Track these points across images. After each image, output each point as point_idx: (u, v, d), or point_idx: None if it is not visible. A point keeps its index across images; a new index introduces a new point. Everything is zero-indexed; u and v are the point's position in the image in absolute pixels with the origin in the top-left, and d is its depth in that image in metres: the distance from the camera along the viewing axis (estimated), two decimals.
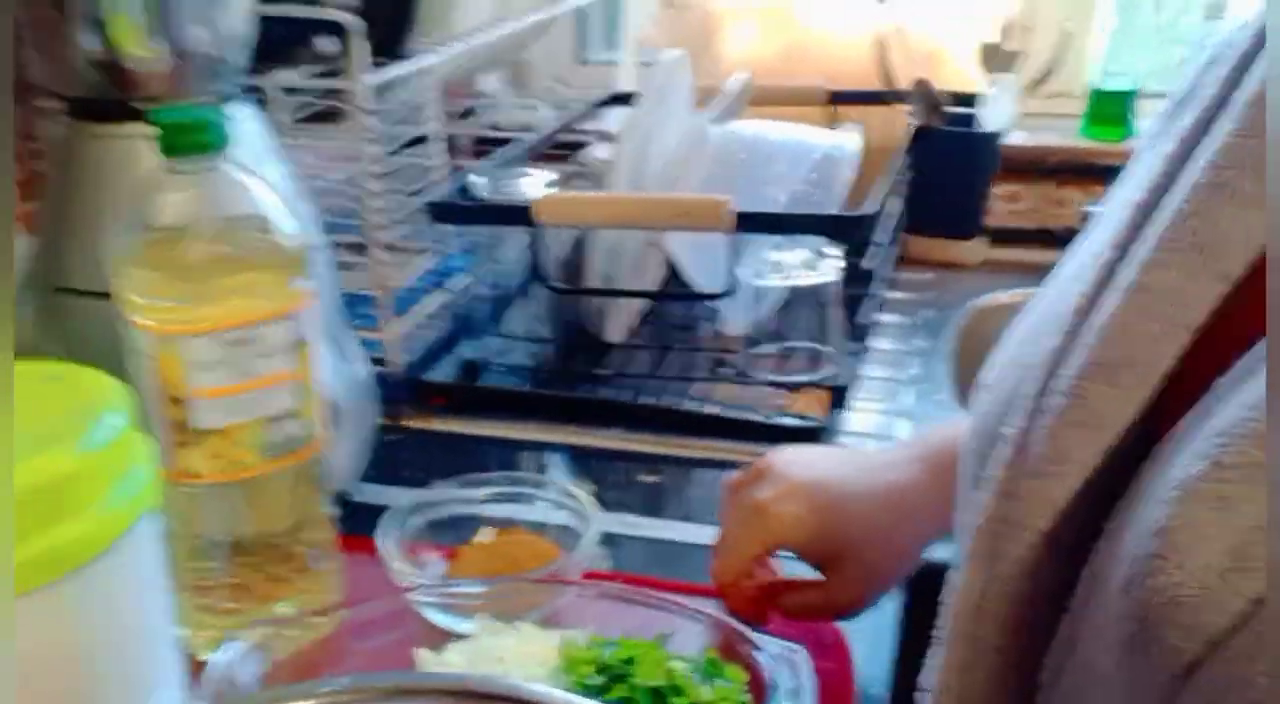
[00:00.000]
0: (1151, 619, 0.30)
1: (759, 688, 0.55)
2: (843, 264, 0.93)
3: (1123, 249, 0.37)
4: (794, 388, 0.94)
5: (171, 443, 0.58)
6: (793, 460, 0.62)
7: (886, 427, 0.93)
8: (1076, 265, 0.41)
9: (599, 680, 0.55)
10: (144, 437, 0.50)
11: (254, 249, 0.58)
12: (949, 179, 1.11)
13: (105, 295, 0.68)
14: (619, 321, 1.01)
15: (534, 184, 0.98)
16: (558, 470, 0.89)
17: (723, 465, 0.88)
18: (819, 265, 0.93)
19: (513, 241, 1.00)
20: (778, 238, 0.91)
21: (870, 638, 0.66)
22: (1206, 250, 0.33)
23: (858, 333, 0.98)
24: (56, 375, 0.49)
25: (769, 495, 0.60)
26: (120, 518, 0.46)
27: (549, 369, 1.00)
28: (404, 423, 0.94)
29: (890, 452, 0.64)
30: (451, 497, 0.75)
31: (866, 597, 0.60)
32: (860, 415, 0.94)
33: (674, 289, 0.98)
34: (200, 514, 0.60)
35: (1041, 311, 0.42)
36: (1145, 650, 0.30)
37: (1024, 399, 0.38)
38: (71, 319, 0.71)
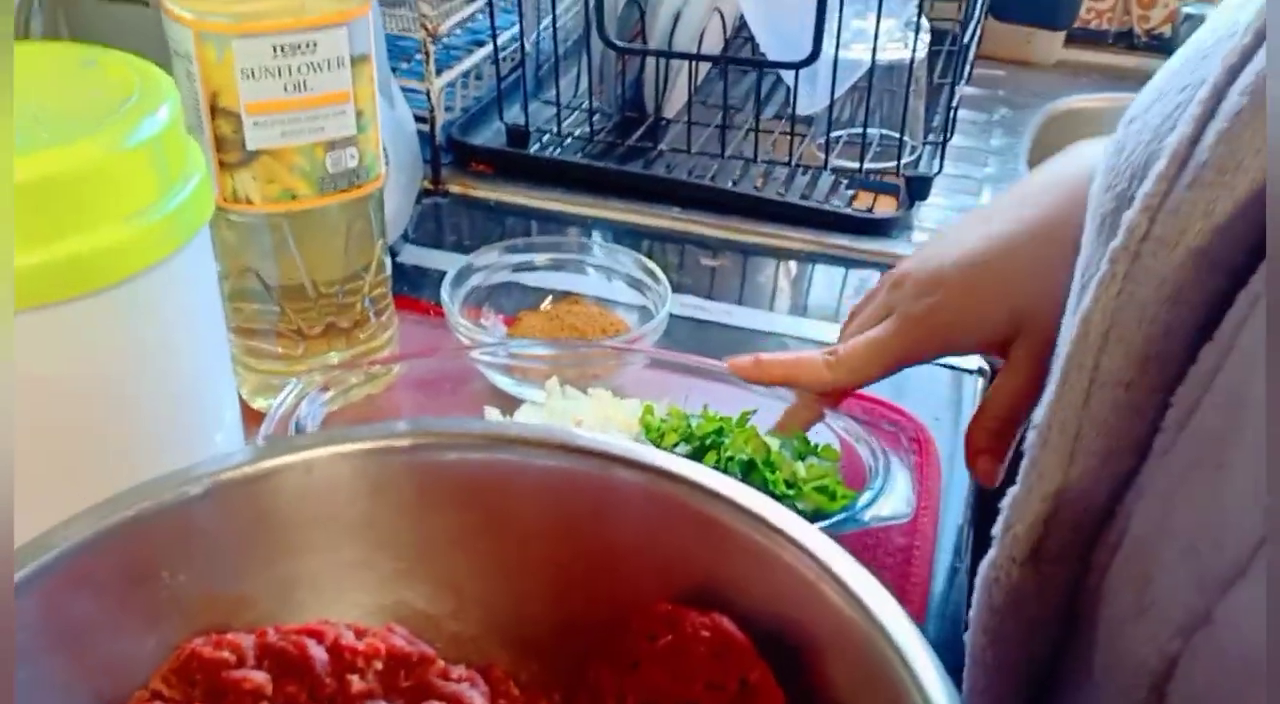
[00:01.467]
0: None
1: (854, 470, 0.51)
2: (932, 38, 0.84)
3: None
4: (866, 177, 0.87)
5: (217, 163, 0.51)
6: (927, 258, 0.52)
7: None
8: None
9: (686, 450, 0.51)
10: (194, 142, 0.43)
11: None
12: None
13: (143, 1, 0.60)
14: (679, 94, 0.93)
15: None
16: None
17: (781, 254, 0.82)
18: (909, 41, 0.84)
19: None
20: (864, 2, 0.82)
21: (952, 433, 0.62)
22: None
23: (938, 124, 0.90)
24: (95, 60, 0.42)
25: (934, 304, 0.50)
26: (176, 225, 0.40)
27: (602, 141, 0.92)
28: (446, 187, 0.87)
29: (1018, 193, 0.53)
30: (508, 262, 0.69)
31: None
32: (931, 211, 0.88)
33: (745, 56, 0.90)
34: (250, 249, 0.54)
35: (1205, 33, 0.36)
36: None
37: (1196, 105, 0.32)
38: (104, 21, 0.63)
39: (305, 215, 0.54)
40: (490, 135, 0.92)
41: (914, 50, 0.83)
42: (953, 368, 0.69)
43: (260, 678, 0.32)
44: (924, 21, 0.85)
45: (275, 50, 0.49)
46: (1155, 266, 0.32)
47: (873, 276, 0.79)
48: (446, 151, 0.89)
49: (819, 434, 0.52)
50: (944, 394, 0.67)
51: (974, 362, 0.69)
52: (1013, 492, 0.38)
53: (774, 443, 0.51)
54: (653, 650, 0.34)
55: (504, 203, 0.87)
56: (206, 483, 0.33)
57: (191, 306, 0.42)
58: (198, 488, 0.33)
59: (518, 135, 0.90)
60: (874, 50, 0.81)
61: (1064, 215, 0.47)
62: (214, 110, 0.50)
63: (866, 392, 0.58)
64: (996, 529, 0.38)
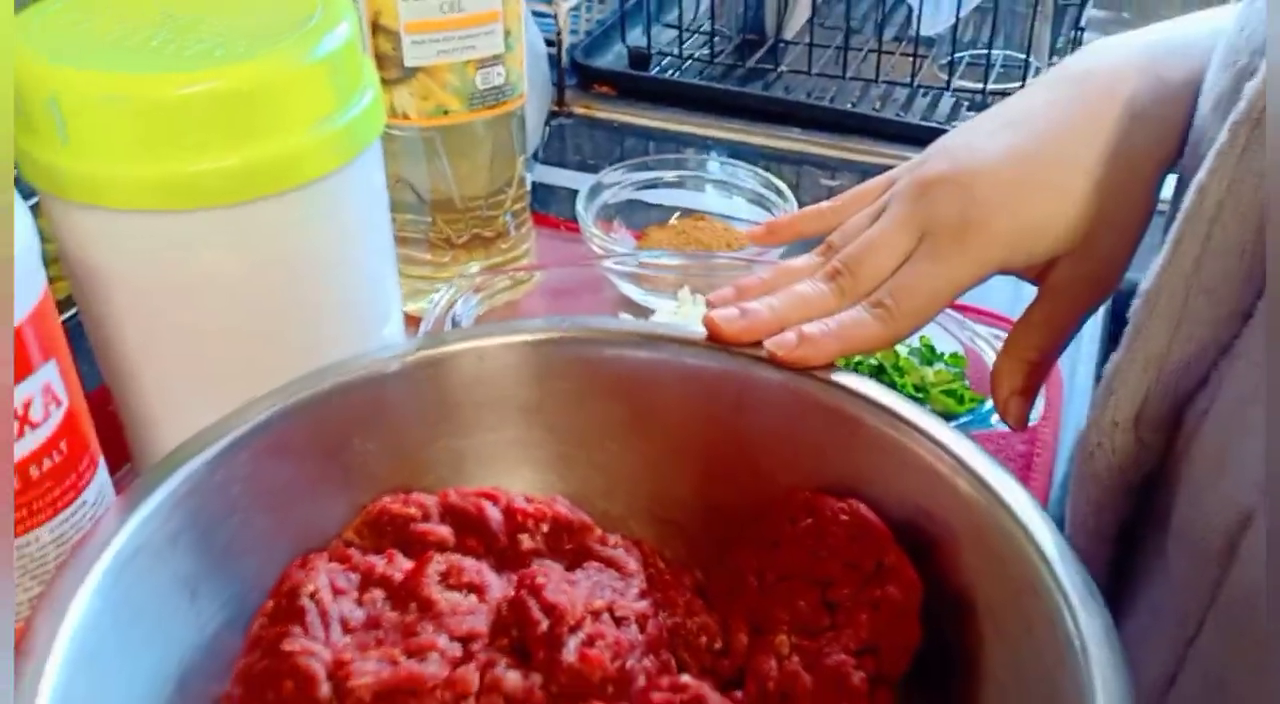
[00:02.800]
0: None
1: (980, 379, 0.53)
2: None
3: None
4: (989, 98, 0.87)
5: (378, 81, 0.54)
6: (959, 161, 0.43)
7: None
8: None
9: None
10: (368, 59, 0.46)
11: None
12: None
13: None
14: (799, 15, 0.94)
15: None
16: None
17: None
18: None
19: None
20: None
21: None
22: None
23: (1063, 45, 0.89)
24: None
25: (986, 214, 0.41)
26: (350, 135, 0.43)
27: (723, 63, 0.93)
28: (570, 108, 0.90)
29: (1043, 94, 0.45)
30: (634, 180, 0.71)
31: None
32: None
33: None
34: (405, 162, 0.57)
35: None
36: None
37: None
38: None
39: (455, 130, 0.57)
40: (612, 58, 0.94)
41: None
42: None
43: (444, 531, 0.36)
44: None
45: None
46: (1275, 136, 0.32)
47: None
48: (571, 74, 0.91)
49: (944, 342, 0.54)
50: None
51: None
52: (1115, 357, 0.38)
53: (902, 350, 0.53)
54: (793, 532, 0.37)
55: (626, 123, 0.89)
56: (396, 363, 0.37)
57: (365, 210, 0.46)
58: (389, 366, 0.37)
59: (639, 58, 0.92)
60: None
61: (1103, 112, 0.42)
62: (375, 28, 0.53)
63: (989, 307, 0.59)
64: (1096, 396, 0.38)
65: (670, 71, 0.93)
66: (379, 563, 0.35)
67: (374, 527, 0.36)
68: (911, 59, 0.89)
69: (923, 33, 0.88)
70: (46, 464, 0.36)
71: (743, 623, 0.37)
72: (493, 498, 0.37)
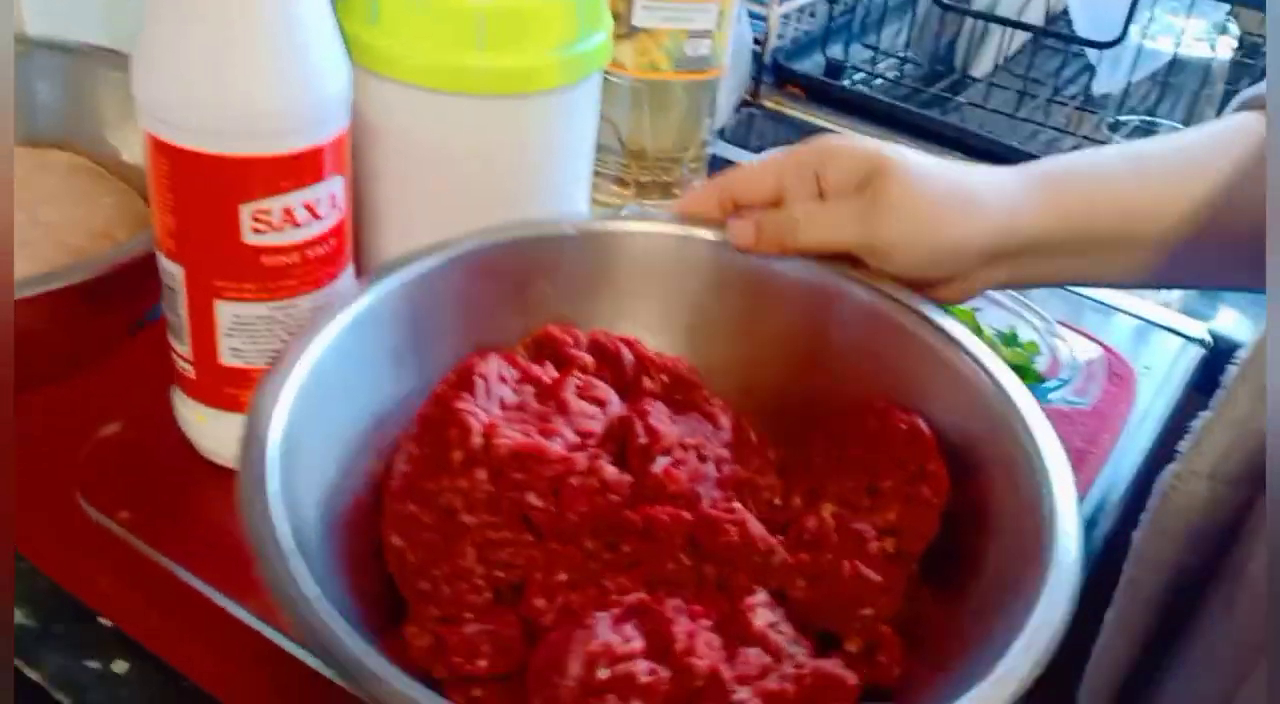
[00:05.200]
0: None
1: (1053, 365, 0.61)
2: (1239, 45, 0.90)
3: None
4: None
5: None
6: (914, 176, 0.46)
7: None
8: None
9: None
10: (607, 8, 0.58)
11: None
12: None
13: None
14: (988, 55, 1.02)
15: None
16: None
17: None
18: (1213, 42, 0.90)
19: None
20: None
21: (1158, 384, 0.70)
22: None
23: None
24: None
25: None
26: (582, 62, 0.55)
27: (908, 86, 1.03)
28: (762, 101, 1.01)
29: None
30: None
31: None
32: None
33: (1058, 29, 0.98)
34: (615, 105, 0.69)
35: None
36: None
37: None
38: None
39: (659, 87, 0.69)
40: (809, 65, 1.05)
41: (1217, 54, 0.89)
42: (1177, 332, 0.77)
43: (587, 359, 0.47)
44: (1233, 28, 0.90)
45: None
46: None
47: None
48: (769, 72, 1.02)
49: (1025, 332, 0.63)
50: (1163, 349, 0.75)
51: (1200, 330, 0.77)
52: (1204, 415, 0.44)
53: (988, 330, 0.62)
54: (860, 431, 0.46)
55: (808, 123, 0.99)
56: (577, 227, 0.49)
57: (580, 127, 0.58)
58: (570, 229, 0.48)
59: (834, 68, 1.02)
60: (1177, 44, 0.87)
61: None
62: None
63: (1084, 327, 0.68)
64: (1184, 445, 0.45)
65: (859, 85, 1.03)
66: (535, 368, 0.47)
67: (538, 344, 0.48)
68: (1081, 113, 0.96)
69: (1097, 90, 0.96)
70: (320, 250, 0.49)
71: (801, 490, 0.47)
72: (631, 343, 0.48)
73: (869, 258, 0.47)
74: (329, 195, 0.48)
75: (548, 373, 0.47)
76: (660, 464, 0.44)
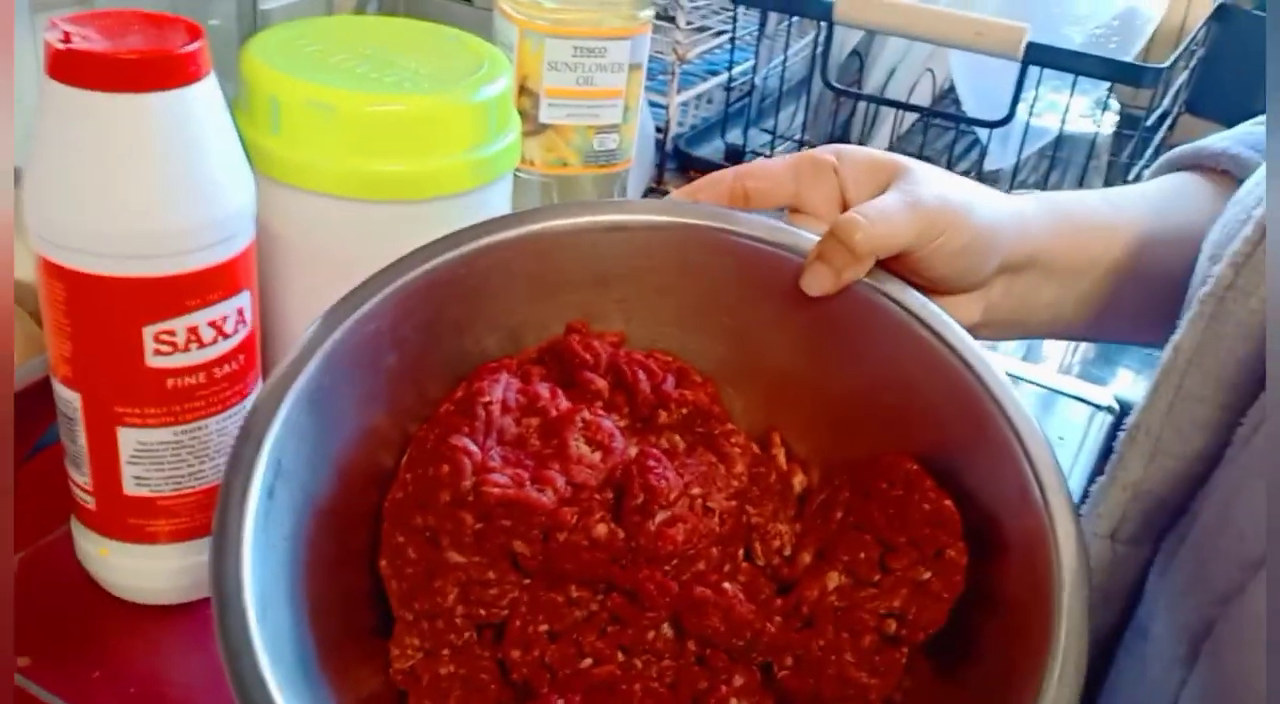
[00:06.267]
0: None
1: None
2: (1119, 120, 0.94)
3: None
4: None
5: None
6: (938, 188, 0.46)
7: None
8: None
9: None
10: (515, 109, 0.58)
11: None
12: (1244, 64, 1.09)
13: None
14: (883, 133, 1.05)
15: None
16: None
17: None
18: (1096, 118, 0.94)
19: (800, 42, 1.04)
20: (1061, 77, 0.92)
21: (1071, 454, 0.71)
22: None
23: None
24: (457, 38, 0.58)
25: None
26: (492, 164, 0.54)
27: None
28: (666, 187, 1.01)
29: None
30: None
31: None
32: None
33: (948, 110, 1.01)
34: (524, 200, 0.69)
35: None
36: None
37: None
38: (435, 10, 0.80)
39: (569, 181, 0.69)
40: (710, 151, 1.06)
41: (1100, 128, 0.93)
42: (1086, 401, 0.79)
43: (602, 384, 0.44)
44: (1114, 103, 0.94)
45: (575, 50, 0.64)
46: (1235, 311, 0.39)
47: None
48: (672, 158, 1.03)
49: None
50: (1071, 419, 0.77)
51: (1106, 396, 0.79)
52: (1100, 480, 0.45)
53: None
54: (886, 494, 0.42)
55: None
56: (623, 221, 0.47)
57: None
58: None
59: (734, 153, 1.04)
60: (1063, 121, 0.91)
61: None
62: (521, 89, 0.65)
63: None
64: (1085, 509, 0.45)
65: None
66: (545, 394, 0.43)
67: (556, 353, 0.45)
68: None
69: (988, 166, 0.99)
70: (228, 368, 0.46)
71: (813, 546, 0.43)
72: (650, 372, 0.45)
73: (908, 258, 0.45)
74: (236, 311, 0.46)
75: (556, 404, 0.44)
76: (658, 519, 0.41)
